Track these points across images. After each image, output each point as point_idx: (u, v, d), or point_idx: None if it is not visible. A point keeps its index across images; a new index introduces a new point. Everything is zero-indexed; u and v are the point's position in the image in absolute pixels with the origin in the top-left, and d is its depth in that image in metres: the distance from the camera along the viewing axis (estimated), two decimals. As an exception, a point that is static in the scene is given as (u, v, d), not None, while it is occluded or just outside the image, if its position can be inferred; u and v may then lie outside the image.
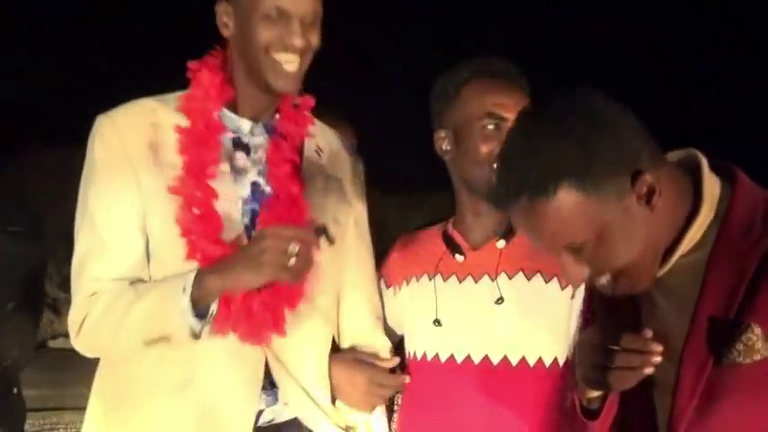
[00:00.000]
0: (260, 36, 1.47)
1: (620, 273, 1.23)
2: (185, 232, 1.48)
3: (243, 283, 1.43)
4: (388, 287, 1.87)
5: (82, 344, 1.53)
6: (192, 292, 1.41)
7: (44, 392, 2.31)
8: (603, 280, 1.24)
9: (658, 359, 1.17)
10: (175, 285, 1.43)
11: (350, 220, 1.72)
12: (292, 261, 1.38)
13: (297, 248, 1.38)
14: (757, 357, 1.15)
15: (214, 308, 1.45)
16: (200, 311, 1.42)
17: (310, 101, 1.67)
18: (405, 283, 1.81)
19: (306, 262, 1.41)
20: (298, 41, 1.47)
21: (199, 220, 1.48)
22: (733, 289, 1.16)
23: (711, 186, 1.24)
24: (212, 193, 1.50)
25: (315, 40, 1.55)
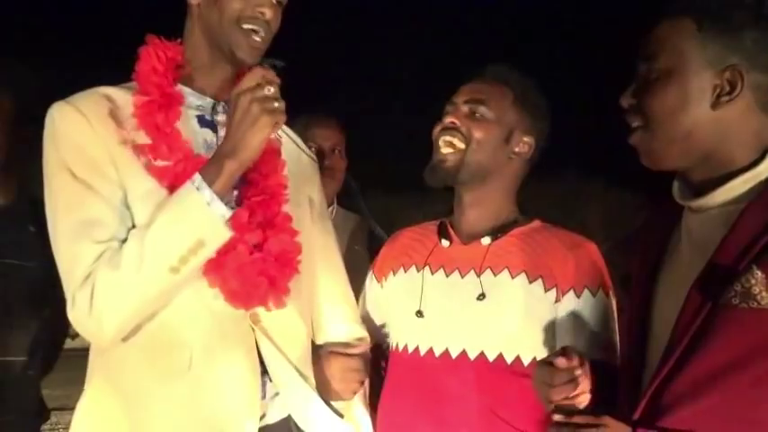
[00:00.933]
0: (232, 5, 1.48)
1: (647, 121, 1.29)
2: (162, 180, 1.45)
3: (255, 148, 1.42)
4: (377, 281, 1.88)
5: (96, 321, 1.39)
6: (208, 186, 1.39)
7: (44, 392, 2.30)
8: (633, 122, 1.31)
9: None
10: (185, 190, 1.40)
11: (313, 208, 1.71)
12: (277, 103, 1.40)
13: (272, 89, 1.40)
14: (754, 305, 1.14)
15: (232, 203, 1.44)
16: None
17: None
18: (392, 273, 1.82)
19: (281, 99, 1.42)
20: (268, 13, 1.49)
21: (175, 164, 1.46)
22: (753, 240, 1.17)
23: None
24: (186, 144, 1.48)
25: (277, 22, 1.55)
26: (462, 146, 1.67)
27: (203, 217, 1.38)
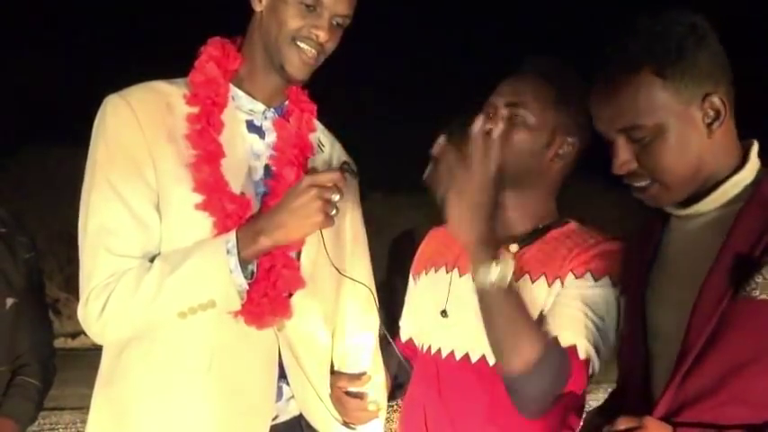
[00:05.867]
0: (291, 22, 1.50)
1: (658, 179, 1.32)
2: (214, 213, 1.49)
3: (294, 237, 1.47)
4: (412, 279, 1.88)
5: (101, 326, 1.47)
6: (238, 252, 1.43)
7: (46, 392, 2.31)
8: (642, 182, 1.34)
9: None
10: (217, 248, 1.43)
11: (346, 217, 1.74)
12: (334, 211, 1.44)
13: (338, 197, 1.43)
14: None
15: (253, 268, 1.47)
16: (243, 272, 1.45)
17: (313, 105, 1.70)
18: (424, 273, 1.82)
19: (339, 209, 1.47)
20: (323, 36, 1.51)
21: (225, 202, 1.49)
22: (761, 233, 1.22)
23: (755, 159, 1.33)
24: (224, 181, 1.50)
25: (334, 43, 1.57)
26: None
27: (222, 282, 1.43)
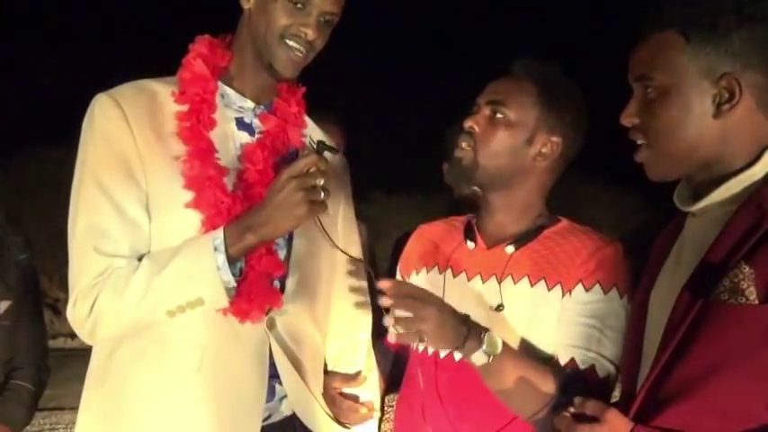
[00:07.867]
0: (279, 20, 1.50)
1: (651, 140, 1.30)
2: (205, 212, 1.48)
3: (281, 232, 1.47)
4: (401, 278, 1.87)
5: (91, 326, 1.47)
6: (226, 250, 1.42)
7: (44, 392, 2.31)
8: (638, 140, 1.33)
9: None
10: (204, 246, 1.43)
11: (339, 213, 1.74)
12: (323, 194, 1.42)
13: (322, 180, 1.41)
14: (742, 300, 1.15)
15: (242, 265, 1.47)
16: (231, 270, 1.44)
17: (301, 89, 1.70)
18: (415, 272, 1.80)
19: (328, 190, 1.44)
20: (311, 34, 1.51)
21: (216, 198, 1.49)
22: (744, 239, 1.18)
23: None
24: (222, 171, 1.51)
25: (323, 41, 1.58)
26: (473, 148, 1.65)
27: (209, 280, 1.42)
